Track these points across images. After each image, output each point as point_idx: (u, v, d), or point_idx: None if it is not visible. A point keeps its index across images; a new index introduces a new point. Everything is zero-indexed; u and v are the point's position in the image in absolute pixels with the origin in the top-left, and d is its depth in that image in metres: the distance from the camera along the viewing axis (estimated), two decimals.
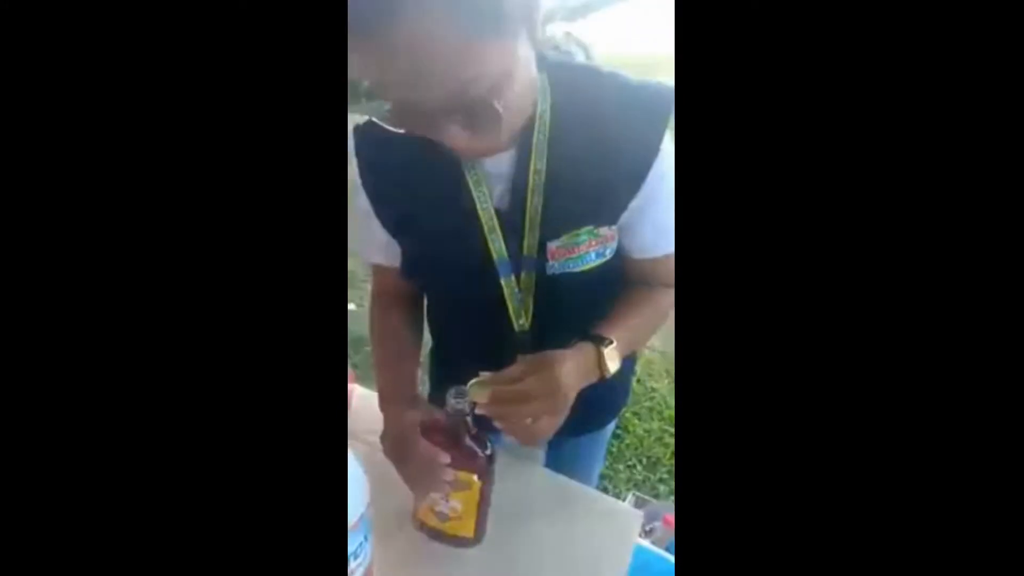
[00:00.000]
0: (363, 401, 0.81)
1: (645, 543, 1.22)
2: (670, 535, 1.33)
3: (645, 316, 0.62)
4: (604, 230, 0.57)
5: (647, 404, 1.99)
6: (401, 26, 0.36)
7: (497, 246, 0.58)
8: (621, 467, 1.72)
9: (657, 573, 1.05)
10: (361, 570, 0.49)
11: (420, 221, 0.61)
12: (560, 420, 0.54)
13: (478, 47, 0.39)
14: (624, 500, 1.45)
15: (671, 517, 1.39)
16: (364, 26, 0.36)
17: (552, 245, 0.57)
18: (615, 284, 0.63)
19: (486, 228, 0.58)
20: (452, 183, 0.57)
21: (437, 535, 0.61)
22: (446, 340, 0.80)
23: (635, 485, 1.66)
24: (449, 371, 0.83)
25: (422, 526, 0.61)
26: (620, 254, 0.60)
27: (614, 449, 1.79)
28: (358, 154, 0.61)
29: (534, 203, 0.56)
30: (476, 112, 0.44)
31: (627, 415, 1.92)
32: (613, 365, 0.57)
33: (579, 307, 0.60)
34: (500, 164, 0.56)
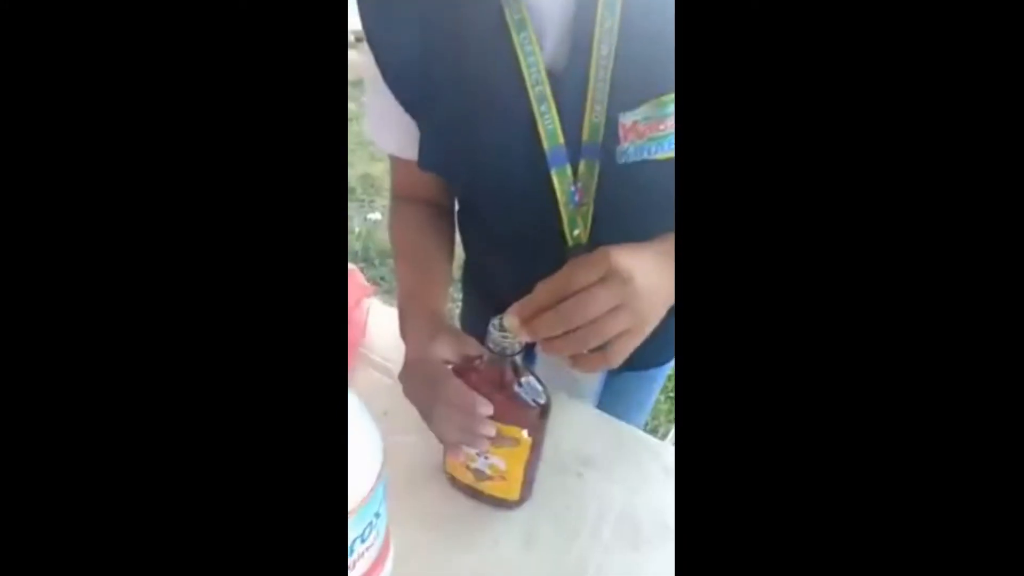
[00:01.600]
0: (382, 319, 0.67)
1: None
2: None
3: None
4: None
5: None
6: None
7: (547, 124, 0.42)
8: (661, 398, 1.61)
9: None
10: (373, 550, 0.37)
11: (440, 89, 0.44)
12: (644, 335, 0.37)
13: None
14: (665, 436, 1.35)
15: None
16: None
17: (626, 119, 0.41)
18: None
19: (533, 96, 0.41)
20: (485, 30, 0.40)
21: (472, 494, 0.49)
22: (479, 255, 0.63)
23: (672, 421, 1.55)
24: (483, 295, 0.68)
25: (454, 482, 0.49)
26: None
27: None
28: (371, 43, 0.44)
29: (602, 58, 0.40)
30: None
31: None
32: None
33: (656, 214, 0.42)
34: (553, 2, 0.40)
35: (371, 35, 0.45)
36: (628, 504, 0.50)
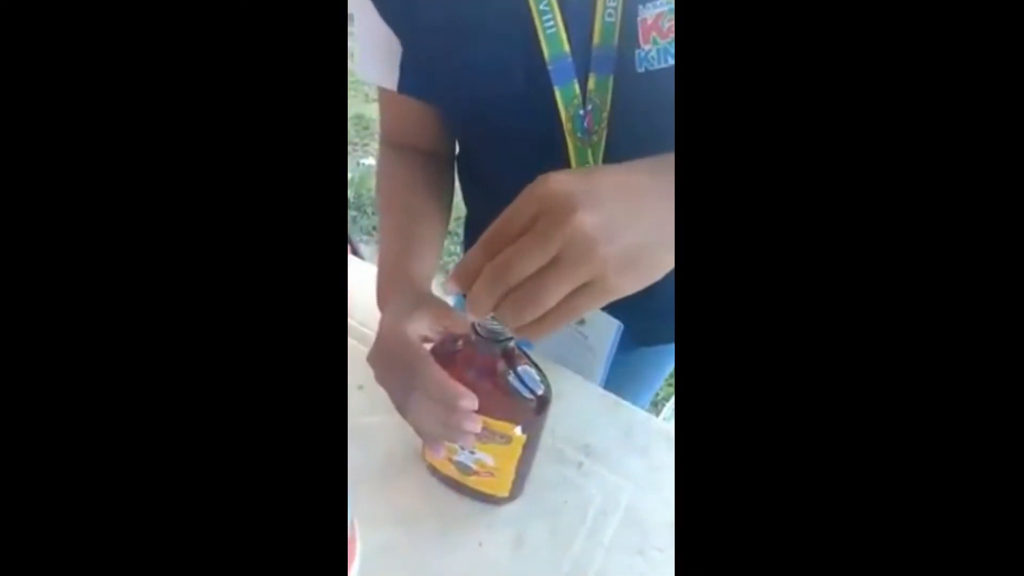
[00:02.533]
0: (361, 277, 0.59)
1: None
2: None
3: None
4: None
5: None
6: None
7: (548, 26, 0.34)
8: None
9: None
10: None
11: (444, 11, 0.37)
12: (615, 290, 0.25)
13: None
14: (663, 411, 1.30)
15: None
16: None
17: (647, 13, 0.33)
18: None
19: (535, 8, 0.34)
20: None
21: (456, 486, 0.42)
22: (477, 206, 0.55)
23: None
24: None
25: (434, 471, 0.43)
26: None
27: None
28: None
29: None
30: None
31: None
32: None
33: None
34: None
35: None
36: (635, 500, 0.44)
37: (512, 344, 0.32)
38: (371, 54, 0.44)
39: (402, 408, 0.35)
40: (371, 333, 0.53)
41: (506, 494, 0.41)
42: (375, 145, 2.37)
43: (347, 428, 0.25)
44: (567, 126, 0.38)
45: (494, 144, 0.45)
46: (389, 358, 0.36)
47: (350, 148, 2.34)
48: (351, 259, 0.59)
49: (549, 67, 0.36)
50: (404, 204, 0.46)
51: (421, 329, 0.35)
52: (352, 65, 0.46)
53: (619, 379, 0.56)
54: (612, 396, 0.52)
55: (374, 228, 1.93)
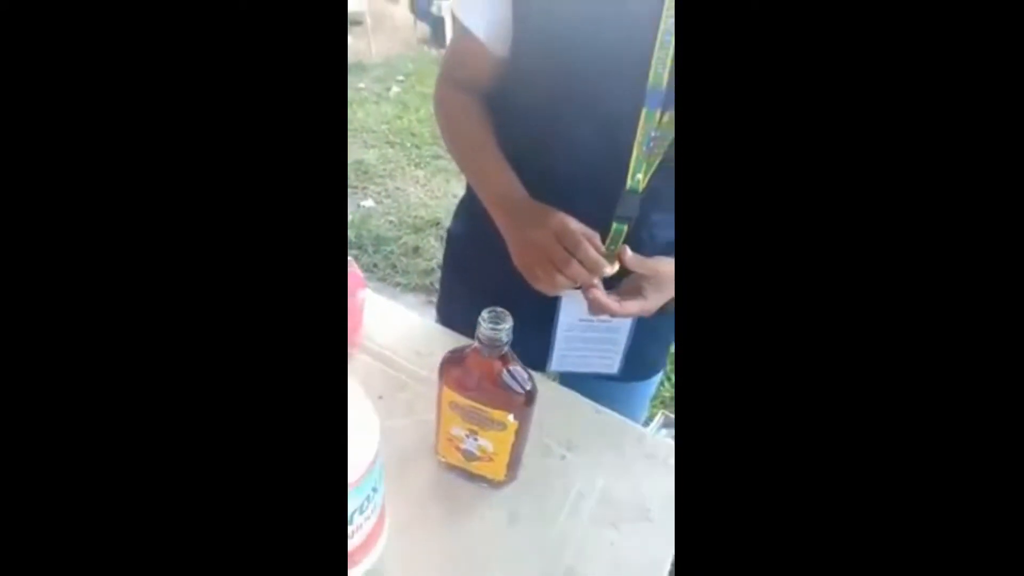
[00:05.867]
0: (375, 309, 0.69)
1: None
2: None
3: None
4: None
5: None
6: None
7: (659, 65, 0.46)
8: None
9: None
10: (371, 522, 0.40)
11: (579, 8, 0.47)
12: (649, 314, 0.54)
13: None
14: (653, 419, 1.39)
15: None
16: None
17: None
18: None
19: (660, 40, 0.45)
20: None
21: (461, 473, 0.52)
22: (529, 170, 0.61)
23: (663, 403, 1.60)
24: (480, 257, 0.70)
25: (444, 462, 0.52)
26: None
27: None
28: None
29: None
30: None
31: None
32: None
33: None
34: None
35: None
36: (608, 485, 0.54)
37: (506, 350, 0.43)
38: (479, 10, 0.53)
39: (545, 272, 0.50)
40: (388, 353, 0.64)
41: (502, 477, 0.50)
42: (372, 188, 2.50)
43: (347, 446, 0.31)
44: (640, 137, 0.49)
45: (570, 126, 0.53)
46: (540, 235, 0.50)
47: (350, 191, 2.47)
48: (370, 292, 0.70)
49: (647, 91, 0.47)
50: (479, 132, 0.58)
51: (565, 218, 0.50)
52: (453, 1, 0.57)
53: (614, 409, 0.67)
54: (592, 403, 0.62)
55: (375, 265, 2.04)
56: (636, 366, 0.66)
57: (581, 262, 0.49)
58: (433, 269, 1.99)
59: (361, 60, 3.68)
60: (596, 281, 0.51)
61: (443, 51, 3.89)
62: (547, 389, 0.62)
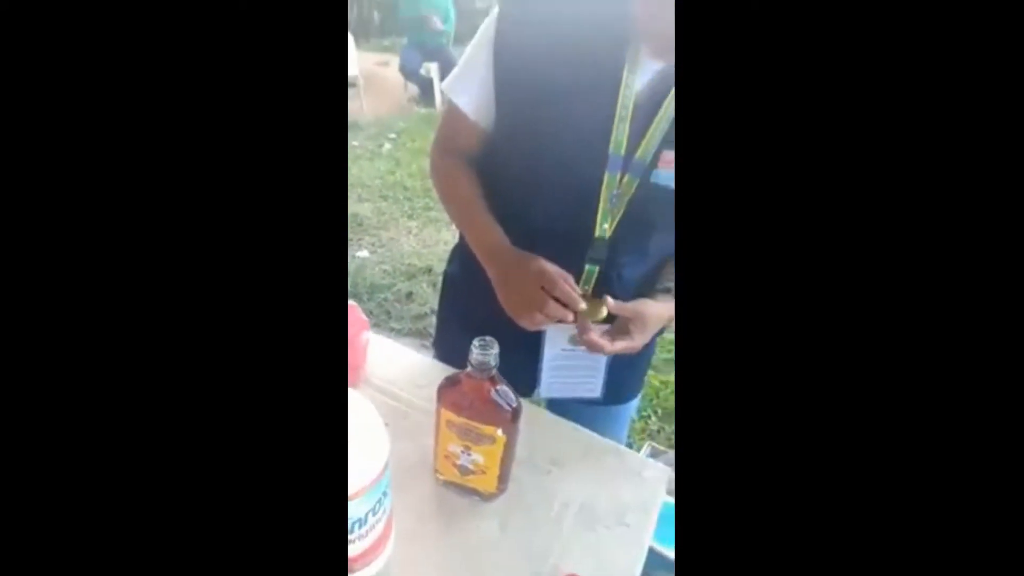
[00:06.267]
0: (380, 349, 0.77)
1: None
2: None
3: None
4: None
5: (664, 356, 1.97)
6: None
7: (618, 136, 0.57)
8: (636, 418, 1.71)
9: None
10: (381, 524, 0.47)
11: (551, 88, 0.58)
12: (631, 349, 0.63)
13: None
14: (640, 451, 1.45)
15: None
16: None
17: (668, 153, 0.57)
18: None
19: (619, 115, 0.56)
20: (607, 66, 0.56)
21: (456, 488, 0.58)
22: (513, 222, 0.71)
23: (650, 436, 1.66)
24: (466, 309, 0.79)
25: (440, 477, 0.59)
26: None
27: None
28: (502, 11, 0.59)
29: (667, 109, 0.56)
30: None
31: None
32: None
33: (657, 233, 0.62)
34: (649, 69, 0.56)
35: (500, 40, 0.58)
36: (589, 496, 0.60)
37: (494, 372, 0.51)
38: (471, 92, 0.63)
39: (527, 311, 0.59)
40: (392, 387, 0.71)
41: (494, 489, 0.57)
42: (368, 239, 2.62)
43: (347, 472, 0.37)
44: (604, 194, 0.59)
45: (543, 187, 0.62)
46: (522, 279, 0.59)
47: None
48: (377, 337, 0.78)
49: (609, 157, 0.58)
50: (468, 192, 0.67)
51: (543, 263, 0.59)
52: (444, 83, 0.68)
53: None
54: (575, 425, 0.70)
55: (370, 312, 2.11)
56: (615, 391, 0.74)
57: (558, 299, 0.57)
58: (426, 314, 2.07)
59: (355, 119, 3.88)
60: (590, 324, 0.60)
61: (431, 109, 4.14)
62: (535, 413, 0.70)
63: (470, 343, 0.50)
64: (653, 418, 1.73)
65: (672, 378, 1.87)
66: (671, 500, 0.72)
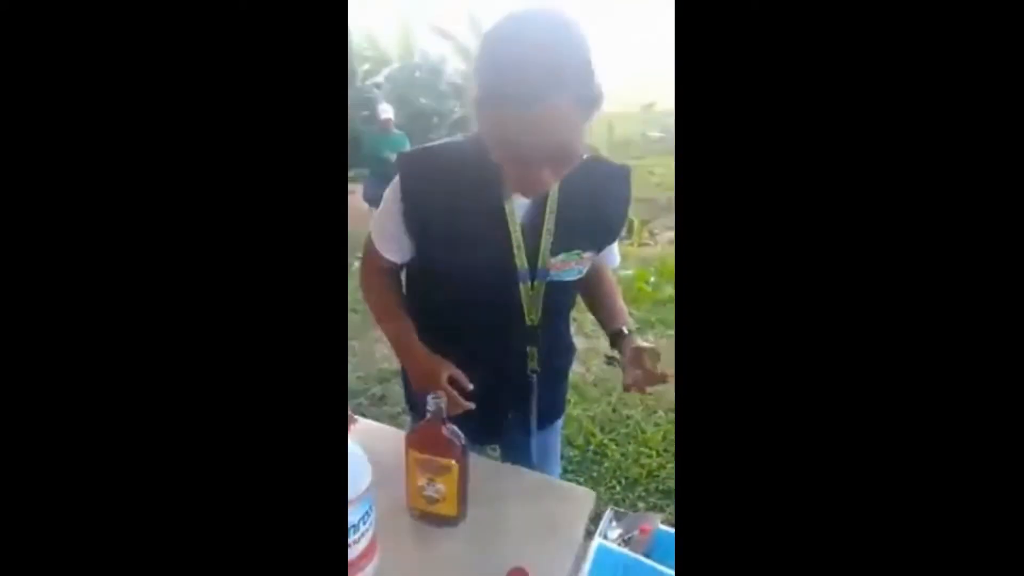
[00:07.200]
0: (365, 435, 0.95)
1: (625, 551, 1.33)
2: (647, 541, 1.45)
3: (619, 298, 0.93)
4: (587, 255, 0.81)
5: (623, 431, 2.13)
6: (543, 106, 0.57)
7: (520, 258, 0.79)
8: (602, 489, 1.84)
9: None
10: (365, 540, 0.63)
11: (455, 232, 0.77)
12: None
13: (583, 125, 0.62)
14: (603, 515, 1.57)
15: (648, 526, 1.51)
16: (515, 103, 0.57)
17: (556, 260, 0.80)
18: (574, 293, 0.90)
19: (514, 243, 0.78)
20: (493, 207, 0.76)
21: (428, 517, 0.75)
22: (442, 322, 0.87)
23: (615, 503, 1.78)
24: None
25: (414, 511, 0.76)
26: (595, 267, 0.86)
27: (595, 473, 1.92)
28: (402, 177, 0.77)
29: (548, 230, 0.78)
30: (567, 163, 0.65)
31: (605, 441, 2.06)
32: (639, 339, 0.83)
33: (564, 307, 0.89)
34: (525, 203, 0.77)
35: (406, 199, 0.76)
36: (529, 514, 0.78)
37: (444, 417, 0.71)
38: (391, 239, 0.81)
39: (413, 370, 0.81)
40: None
41: (455, 514, 0.74)
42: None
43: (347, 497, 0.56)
44: (525, 301, 0.80)
45: (470, 305, 0.81)
46: (432, 376, 0.77)
47: None
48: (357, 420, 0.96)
49: (517, 273, 0.77)
50: (395, 305, 0.87)
51: (449, 367, 0.78)
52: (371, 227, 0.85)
53: (541, 456, 0.94)
54: (513, 466, 0.88)
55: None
56: (545, 414, 0.95)
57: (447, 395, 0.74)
58: (398, 413, 2.21)
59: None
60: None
61: None
62: (496, 467, 0.88)
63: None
64: (618, 487, 1.86)
65: (632, 449, 2.03)
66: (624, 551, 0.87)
